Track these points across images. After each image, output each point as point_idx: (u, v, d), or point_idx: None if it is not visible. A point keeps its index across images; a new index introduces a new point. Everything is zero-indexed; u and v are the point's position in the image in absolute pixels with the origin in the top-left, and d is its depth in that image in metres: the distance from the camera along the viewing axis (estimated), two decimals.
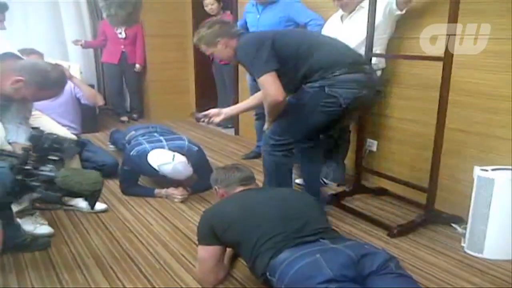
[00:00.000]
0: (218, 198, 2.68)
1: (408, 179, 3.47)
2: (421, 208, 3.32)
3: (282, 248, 2.08)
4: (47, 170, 2.27)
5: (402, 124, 3.69)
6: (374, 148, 3.95)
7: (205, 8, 5.77)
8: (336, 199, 3.62)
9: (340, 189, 3.86)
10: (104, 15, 6.43)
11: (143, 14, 6.50)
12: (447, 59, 2.86)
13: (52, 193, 2.25)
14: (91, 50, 6.86)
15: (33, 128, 2.73)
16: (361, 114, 3.56)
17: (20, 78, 2.37)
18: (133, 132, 4.32)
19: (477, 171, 2.79)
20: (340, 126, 3.73)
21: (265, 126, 3.28)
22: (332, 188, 3.97)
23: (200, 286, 2.49)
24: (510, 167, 2.78)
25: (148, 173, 3.79)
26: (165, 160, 3.49)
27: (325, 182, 4.01)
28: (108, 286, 2.48)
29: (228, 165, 2.85)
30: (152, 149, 3.69)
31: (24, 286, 2.47)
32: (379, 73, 3.62)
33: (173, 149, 3.69)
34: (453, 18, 2.76)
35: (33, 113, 3.23)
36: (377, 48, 3.46)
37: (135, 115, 6.93)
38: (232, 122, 6.01)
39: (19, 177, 2.21)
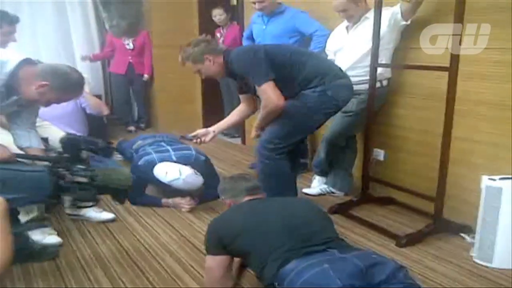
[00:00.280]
0: (226, 208, 2.69)
1: (416, 188, 3.46)
2: (429, 217, 3.30)
3: (290, 257, 2.07)
4: (83, 170, 2.36)
5: (409, 134, 3.69)
6: (381, 158, 3.94)
7: (214, 18, 5.81)
8: (344, 209, 3.62)
9: (347, 198, 3.85)
10: (107, 26, 6.48)
11: (150, 25, 6.54)
12: (453, 69, 2.87)
13: (86, 192, 2.34)
14: (98, 53, 6.89)
15: (42, 138, 2.77)
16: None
17: (45, 82, 2.42)
18: (140, 142, 4.33)
19: (485, 180, 2.78)
20: (347, 135, 3.77)
21: (253, 134, 3.33)
22: (339, 197, 3.96)
23: None
24: None
25: (155, 182, 3.80)
26: (173, 176, 3.51)
27: (332, 191, 4.01)
28: None
29: (235, 175, 2.86)
30: (159, 159, 3.71)
31: (30, 286, 2.48)
32: (385, 83, 3.63)
33: (180, 159, 3.71)
34: (458, 20, 2.79)
35: (42, 123, 3.26)
36: (383, 58, 3.47)
37: (142, 125, 6.95)
38: (239, 131, 6.03)
39: (58, 180, 2.29)
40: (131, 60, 6.51)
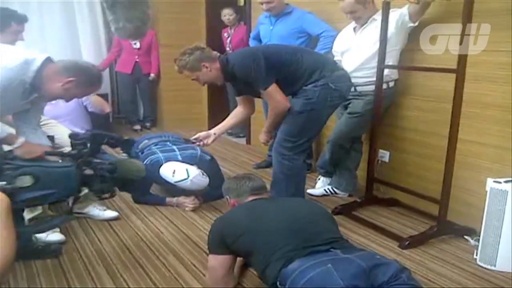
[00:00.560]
0: (229, 207, 2.69)
1: (420, 190, 3.45)
2: (433, 219, 3.29)
3: (293, 257, 2.07)
4: (103, 163, 2.42)
5: (415, 135, 3.68)
6: (387, 159, 3.93)
7: (223, 18, 5.81)
8: (347, 210, 3.61)
9: (352, 199, 3.85)
10: (113, 29, 6.47)
11: (157, 25, 6.55)
12: (460, 71, 2.85)
13: (106, 184, 2.41)
14: (104, 56, 6.88)
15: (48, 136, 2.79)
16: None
17: (71, 79, 2.49)
18: (146, 141, 4.33)
19: (490, 183, 2.77)
20: (353, 136, 3.77)
21: (264, 138, 3.35)
22: (343, 198, 3.95)
23: None
24: None
25: (161, 182, 3.80)
26: (181, 176, 3.51)
27: (336, 192, 4.01)
28: None
29: (240, 175, 2.85)
30: (165, 158, 3.72)
31: (33, 286, 2.48)
32: (391, 84, 3.62)
33: (186, 158, 3.72)
34: (467, 20, 2.78)
35: (48, 121, 3.27)
36: (390, 60, 3.46)
37: (148, 124, 6.97)
38: (244, 131, 6.02)
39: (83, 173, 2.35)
40: (137, 60, 6.53)
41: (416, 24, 3.38)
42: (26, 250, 2.69)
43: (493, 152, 3.11)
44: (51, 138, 2.82)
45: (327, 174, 4.10)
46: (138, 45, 6.45)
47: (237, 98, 3.53)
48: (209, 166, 3.83)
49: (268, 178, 3.50)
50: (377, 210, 3.68)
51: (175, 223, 3.44)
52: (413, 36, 3.48)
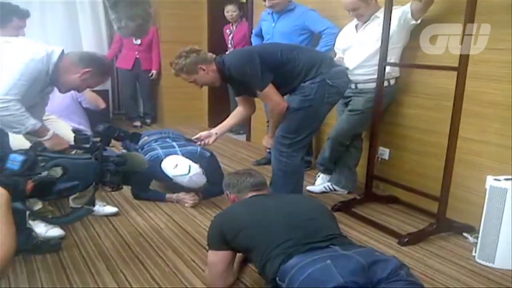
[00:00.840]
0: (229, 203, 2.69)
1: (420, 187, 3.45)
2: (432, 216, 3.30)
3: (293, 253, 2.08)
4: (113, 156, 2.45)
5: (415, 133, 3.68)
6: (386, 157, 3.94)
7: (226, 14, 5.80)
8: (347, 207, 3.62)
9: (351, 196, 3.85)
10: (115, 28, 6.47)
11: (159, 21, 6.54)
12: (462, 69, 2.85)
13: (115, 177, 2.42)
14: (105, 52, 6.88)
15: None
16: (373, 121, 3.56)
17: (88, 69, 2.62)
18: (146, 138, 4.34)
19: (490, 180, 2.77)
20: (353, 133, 3.77)
21: (268, 142, 3.37)
22: (343, 195, 3.96)
23: None
24: None
25: (160, 178, 3.80)
26: (181, 171, 3.52)
27: (335, 189, 4.01)
28: None
29: (240, 171, 2.86)
30: (165, 154, 3.72)
31: (34, 286, 2.48)
32: (392, 82, 3.63)
33: (186, 154, 3.72)
34: (469, 20, 2.77)
35: (49, 116, 3.27)
36: (391, 57, 3.46)
37: (148, 121, 6.98)
38: (244, 128, 6.03)
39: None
40: (137, 56, 6.54)
41: (419, 21, 3.38)
42: (27, 245, 2.68)
43: (493, 150, 3.11)
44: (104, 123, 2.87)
45: (326, 171, 4.11)
46: (139, 41, 6.44)
47: (237, 98, 3.53)
48: (209, 163, 3.84)
49: (267, 175, 3.50)
50: (376, 207, 3.68)
51: (174, 219, 3.44)
52: (415, 33, 3.48)
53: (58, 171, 2.21)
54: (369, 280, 1.91)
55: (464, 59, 2.86)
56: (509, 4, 2.89)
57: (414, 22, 3.39)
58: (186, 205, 3.68)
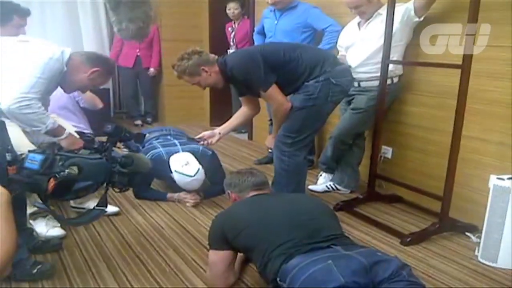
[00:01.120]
0: (230, 203, 2.68)
1: (423, 186, 3.43)
2: (435, 216, 3.28)
3: (294, 253, 2.06)
4: (120, 156, 2.47)
5: (418, 132, 3.66)
6: (389, 155, 3.92)
7: (228, 12, 5.79)
8: (349, 206, 3.60)
9: (354, 195, 3.83)
10: (115, 30, 6.48)
11: (160, 19, 6.53)
12: (466, 66, 2.83)
13: (122, 177, 2.45)
14: (107, 52, 6.85)
15: None
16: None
17: (96, 69, 2.66)
18: (147, 135, 4.33)
19: (493, 179, 2.75)
20: (356, 132, 3.75)
21: (269, 142, 3.35)
22: (345, 194, 3.94)
23: None
24: None
25: (162, 177, 3.79)
26: (188, 171, 3.51)
27: (338, 188, 3.99)
28: None
29: (242, 170, 2.84)
30: (167, 153, 3.72)
31: (35, 286, 2.47)
32: (395, 80, 3.61)
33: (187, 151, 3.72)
34: (472, 19, 2.75)
35: (50, 115, 3.26)
36: (394, 55, 3.44)
37: (149, 119, 6.97)
38: (246, 127, 6.01)
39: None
40: (138, 53, 6.54)
41: (422, 19, 3.36)
42: (28, 245, 2.67)
43: (497, 148, 3.09)
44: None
45: (329, 170, 4.09)
46: None
47: (241, 99, 3.51)
48: (210, 162, 3.82)
49: (269, 174, 3.49)
50: (379, 207, 3.67)
51: (175, 218, 3.43)
52: (418, 31, 3.46)
53: (75, 171, 2.21)
54: (371, 281, 1.89)
55: (467, 56, 2.84)
56: (510, 1, 2.87)
57: (417, 19, 3.37)
58: (187, 204, 3.66)
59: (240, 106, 3.62)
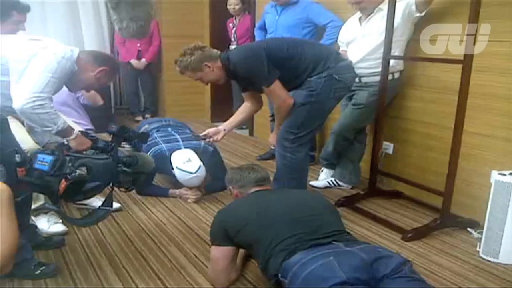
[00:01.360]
0: (232, 199, 2.68)
1: (424, 182, 3.43)
2: (436, 211, 3.28)
3: (295, 249, 2.07)
4: (125, 156, 2.49)
5: (419, 127, 3.66)
6: (390, 151, 3.92)
7: (229, 7, 5.77)
8: (350, 202, 3.60)
9: (355, 191, 3.84)
10: (116, 28, 6.51)
11: (160, 14, 6.53)
12: (467, 62, 2.82)
13: (127, 176, 2.47)
14: (108, 50, 6.84)
15: None
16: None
17: (103, 68, 2.65)
18: (146, 126, 4.34)
19: (495, 175, 2.75)
20: (357, 128, 3.75)
21: (273, 139, 3.34)
22: (346, 190, 3.94)
23: (212, 287, 2.48)
24: None
25: (164, 173, 3.80)
26: (190, 168, 3.53)
27: (339, 184, 3.99)
28: (121, 286, 2.48)
29: (244, 166, 2.83)
30: (169, 149, 3.73)
31: (38, 286, 2.47)
32: (396, 75, 3.60)
33: (189, 149, 3.72)
34: (473, 19, 2.74)
35: None
36: (395, 50, 3.44)
37: (147, 116, 6.93)
38: (247, 123, 6.01)
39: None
40: (140, 49, 6.53)
41: (423, 14, 3.36)
42: (30, 241, 2.68)
43: (498, 144, 3.09)
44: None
45: (330, 166, 4.09)
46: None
47: (243, 94, 3.50)
48: (212, 158, 3.83)
49: (271, 170, 3.48)
50: (380, 202, 3.67)
51: (177, 214, 3.44)
52: (419, 26, 3.45)
53: (84, 171, 2.22)
54: (372, 277, 1.90)
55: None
56: None
57: (418, 14, 3.37)
58: (189, 200, 3.67)
59: (241, 102, 3.62)
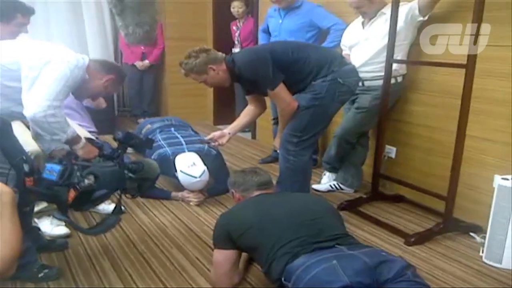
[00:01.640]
0: (234, 202, 2.68)
1: (427, 186, 3.43)
2: (439, 216, 3.28)
3: (298, 253, 2.07)
4: (131, 163, 2.50)
5: (422, 131, 3.66)
6: (393, 155, 3.92)
7: (232, 10, 5.78)
8: (353, 205, 3.60)
9: (357, 195, 3.84)
10: (122, 34, 6.52)
11: (164, 17, 6.54)
12: (470, 66, 2.82)
13: (133, 183, 2.48)
14: (111, 52, 6.83)
15: None
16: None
17: (111, 76, 2.66)
18: (149, 126, 4.35)
19: (498, 179, 2.75)
20: (360, 131, 3.75)
21: (278, 143, 3.34)
22: (349, 194, 3.94)
23: None
24: None
25: (167, 175, 3.80)
26: (194, 172, 3.54)
27: (341, 188, 3.99)
28: None
29: (247, 169, 2.83)
30: (173, 152, 3.76)
31: (40, 287, 2.47)
32: (399, 79, 3.60)
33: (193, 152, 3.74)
34: (476, 20, 2.75)
35: None
36: (398, 54, 3.44)
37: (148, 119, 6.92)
38: (249, 126, 6.01)
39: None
40: (144, 51, 6.53)
41: (426, 18, 3.36)
42: (34, 244, 2.68)
43: (501, 148, 3.09)
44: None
45: (333, 169, 4.09)
46: None
47: (247, 97, 3.50)
48: (215, 161, 3.84)
49: (273, 173, 3.49)
50: (383, 206, 3.66)
51: (180, 217, 3.44)
52: (422, 30, 3.45)
53: (91, 180, 2.22)
54: (375, 281, 1.89)
55: (472, 56, 2.83)
56: None
57: (421, 18, 3.37)
58: (191, 203, 3.67)
59: (244, 105, 3.62)
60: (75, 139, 2.50)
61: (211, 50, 3.17)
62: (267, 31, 4.74)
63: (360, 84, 3.56)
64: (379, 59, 3.51)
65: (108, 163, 2.44)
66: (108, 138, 4.60)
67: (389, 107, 3.58)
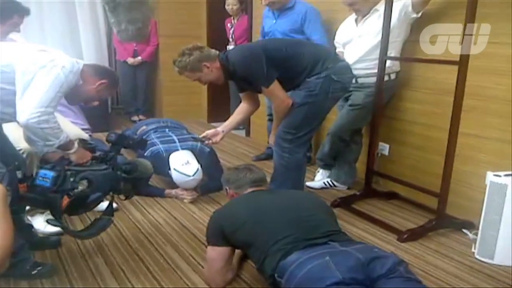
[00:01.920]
0: (228, 199, 2.68)
1: (420, 183, 3.44)
2: (432, 212, 3.29)
3: (292, 249, 2.07)
4: (125, 164, 2.51)
5: (415, 128, 3.67)
6: (386, 152, 3.93)
7: (227, 7, 5.75)
8: (346, 202, 3.61)
9: (351, 192, 3.84)
10: (115, 31, 6.50)
11: (158, 14, 6.52)
12: (463, 63, 2.83)
13: (127, 184, 2.50)
14: (105, 49, 6.82)
15: None
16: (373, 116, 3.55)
17: (104, 81, 2.61)
18: (144, 127, 4.34)
19: (490, 176, 2.77)
20: (353, 128, 3.75)
21: (273, 140, 3.34)
22: (342, 191, 3.95)
23: (208, 287, 2.48)
24: None
25: (161, 173, 3.80)
26: (187, 171, 3.55)
27: (335, 185, 4.00)
28: (117, 286, 2.48)
29: (240, 166, 2.83)
30: (166, 150, 3.75)
31: (34, 286, 2.47)
32: (393, 76, 3.61)
33: (186, 149, 3.73)
34: (470, 19, 2.76)
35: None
36: (392, 51, 3.45)
37: (142, 117, 6.88)
38: (243, 123, 6.01)
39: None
40: (136, 48, 6.52)
41: (419, 15, 3.37)
42: (27, 241, 2.67)
43: (493, 145, 3.10)
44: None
45: (326, 166, 4.10)
46: None
47: (241, 95, 3.49)
48: (208, 158, 3.84)
49: (267, 171, 3.48)
50: (376, 203, 3.67)
51: (173, 215, 3.44)
52: (415, 27, 3.46)
53: (84, 184, 2.21)
54: (368, 277, 1.91)
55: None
56: None
57: (414, 15, 3.38)
58: (185, 200, 3.67)
59: (239, 102, 3.62)
60: (68, 144, 2.47)
61: (204, 47, 3.16)
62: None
63: (354, 81, 3.56)
64: (372, 56, 3.52)
65: (101, 166, 2.43)
66: (101, 136, 4.61)
67: (382, 104, 3.58)
